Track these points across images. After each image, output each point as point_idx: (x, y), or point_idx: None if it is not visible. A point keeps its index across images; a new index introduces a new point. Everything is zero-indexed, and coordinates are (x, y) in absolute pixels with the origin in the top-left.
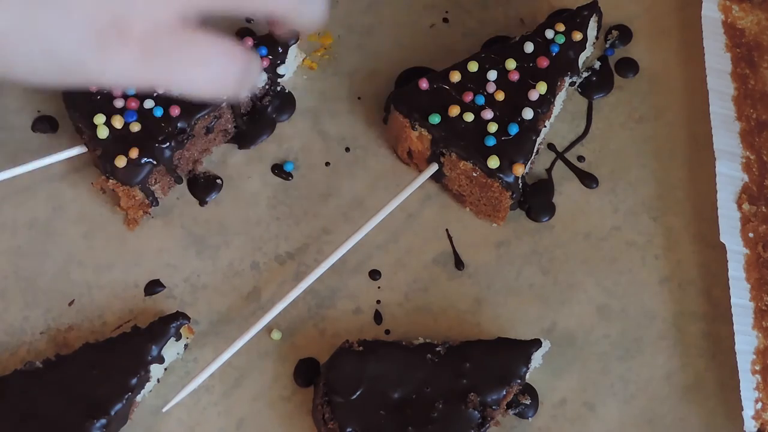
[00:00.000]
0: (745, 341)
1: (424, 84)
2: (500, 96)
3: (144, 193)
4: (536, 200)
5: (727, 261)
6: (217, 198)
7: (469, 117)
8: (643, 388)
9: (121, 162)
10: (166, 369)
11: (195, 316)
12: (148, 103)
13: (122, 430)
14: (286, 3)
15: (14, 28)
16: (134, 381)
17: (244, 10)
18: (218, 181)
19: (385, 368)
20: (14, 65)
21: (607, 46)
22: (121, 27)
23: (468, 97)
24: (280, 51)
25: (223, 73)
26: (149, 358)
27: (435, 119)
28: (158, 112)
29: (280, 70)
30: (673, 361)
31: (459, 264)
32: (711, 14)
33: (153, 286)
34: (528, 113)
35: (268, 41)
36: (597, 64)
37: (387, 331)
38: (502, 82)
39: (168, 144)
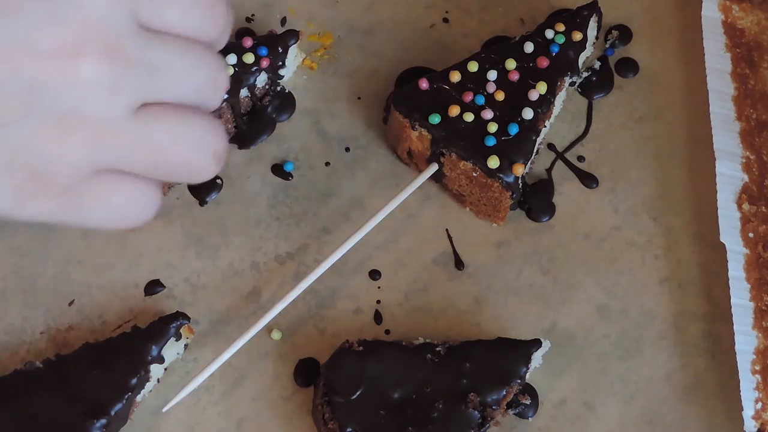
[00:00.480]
0: (745, 341)
1: (424, 84)
2: (500, 96)
3: None
4: (536, 200)
5: (727, 261)
6: (217, 198)
7: (469, 117)
8: (643, 388)
9: None
10: (166, 369)
11: (195, 316)
12: None
13: (122, 430)
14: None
15: None
16: (134, 381)
17: (162, 178)
18: (218, 181)
19: (385, 368)
20: None
21: (607, 46)
22: (41, 181)
23: (468, 97)
24: (280, 51)
25: (130, 212)
26: (149, 358)
27: (435, 119)
28: None
29: (280, 70)
30: (673, 361)
31: (459, 264)
32: (711, 14)
33: (153, 286)
34: (528, 113)
35: (268, 41)
36: (597, 64)
37: (387, 331)
38: (502, 82)
39: None
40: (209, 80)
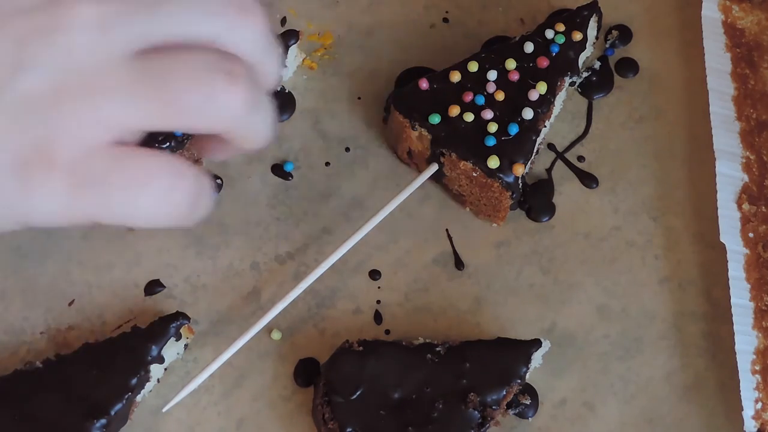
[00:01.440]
0: (745, 341)
1: (424, 84)
2: (500, 96)
3: None
4: (536, 200)
5: (727, 261)
6: (217, 198)
7: (469, 117)
8: (643, 388)
9: None
10: (166, 369)
11: (195, 316)
12: None
13: (122, 430)
14: (230, 121)
15: None
16: (134, 381)
17: (183, 126)
18: (218, 181)
19: (385, 368)
20: None
21: (607, 46)
22: (45, 153)
23: (468, 97)
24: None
25: (168, 197)
26: (149, 358)
27: (435, 119)
28: None
29: None
30: (673, 361)
31: (459, 264)
32: (711, 14)
33: (153, 286)
34: (528, 113)
35: None
36: (597, 64)
37: (387, 331)
38: (502, 82)
39: (168, 144)
40: (227, 17)
